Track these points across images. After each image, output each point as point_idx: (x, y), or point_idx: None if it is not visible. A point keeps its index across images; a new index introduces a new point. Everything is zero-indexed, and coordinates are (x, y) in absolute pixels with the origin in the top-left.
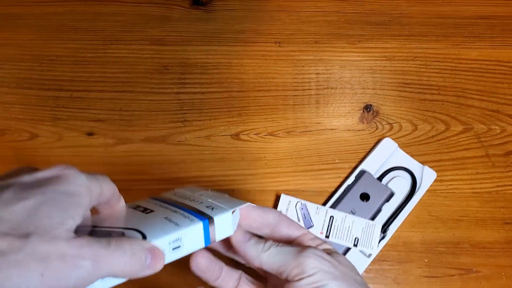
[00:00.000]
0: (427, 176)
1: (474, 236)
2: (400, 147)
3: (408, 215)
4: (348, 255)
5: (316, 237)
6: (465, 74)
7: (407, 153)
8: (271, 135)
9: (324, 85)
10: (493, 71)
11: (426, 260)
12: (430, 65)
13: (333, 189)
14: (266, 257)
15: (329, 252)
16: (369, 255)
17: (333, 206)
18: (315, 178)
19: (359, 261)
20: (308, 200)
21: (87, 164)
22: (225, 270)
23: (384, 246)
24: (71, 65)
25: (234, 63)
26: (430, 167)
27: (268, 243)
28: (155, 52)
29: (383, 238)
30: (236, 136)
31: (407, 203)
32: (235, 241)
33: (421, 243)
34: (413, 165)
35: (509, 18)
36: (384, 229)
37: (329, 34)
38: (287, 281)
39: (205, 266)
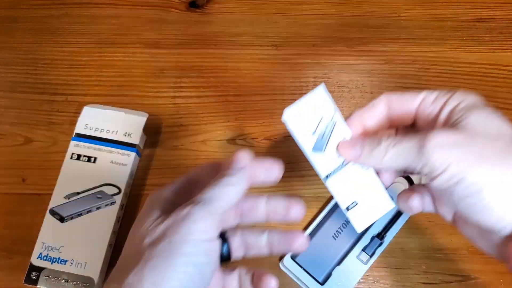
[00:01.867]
0: (425, 182)
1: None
2: None
3: (406, 221)
4: (344, 263)
5: (439, 94)
6: (464, 77)
7: None
8: (268, 139)
9: None
10: (492, 74)
11: (424, 267)
12: (429, 68)
13: (330, 195)
14: (388, 163)
15: (458, 120)
16: (367, 262)
17: (330, 213)
18: (312, 183)
19: (356, 268)
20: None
21: None
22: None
23: (382, 253)
24: (66, 69)
25: (231, 66)
26: None
27: (383, 147)
28: (151, 56)
29: (380, 244)
30: (232, 140)
31: None
32: (350, 159)
33: (419, 250)
34: None
35: (508, 22)
36: (382, 235)
37: (327, 37)
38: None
39: None
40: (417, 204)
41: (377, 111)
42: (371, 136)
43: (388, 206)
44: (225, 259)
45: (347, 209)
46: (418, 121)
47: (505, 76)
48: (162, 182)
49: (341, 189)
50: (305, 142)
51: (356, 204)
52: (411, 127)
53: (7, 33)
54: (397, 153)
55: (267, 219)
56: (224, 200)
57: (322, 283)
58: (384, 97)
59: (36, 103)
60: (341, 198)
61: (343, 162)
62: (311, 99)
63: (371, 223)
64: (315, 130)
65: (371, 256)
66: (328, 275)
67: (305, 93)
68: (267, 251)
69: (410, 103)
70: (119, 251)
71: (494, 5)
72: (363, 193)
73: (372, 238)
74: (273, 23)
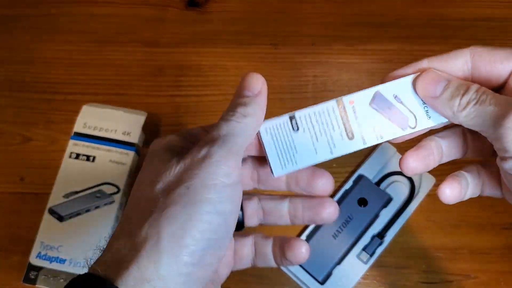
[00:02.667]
0: (425, 181)
1: (472, 241)
2: (398, 151)
3: (406, 220)
4: (344, 262)
5: None
6: None
7: None
8: None
9: (321, 87)
10: None
11: (424, 266)
12: None
13: (330, 194)
14: (464, 118)
15: None
16: (367, 261)
17: None
18: None
19: (356, 267)
20: None
21: None
22: None
23: (382, 252)
24: (65, 68)
25: (230, 65)
26: (428, 171)
27: (466, 99)
28: (149, 54)
29: (381, 243)
30: None
31: (405, 208)
32: (423, 95)
33: (419, 249)
34: None
35: (508, 20)
36: (382, 235)
37: (326, 36)
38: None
39: None
40: (450, 194)
41: (456, 65)
42: (456, 78)
43: None
44: (239, 226)
45: None
46: (508, 87)
47: None
48: None
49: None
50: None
51: None
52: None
53: (6, 31)
54: (477, 112)
55: (288, 189)
56: (244, 134)
57: (322, 283)
58: (469, 51)
59: (35, 102)
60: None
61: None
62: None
63: None
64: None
65: (371, 256)
66: (328, 275)
67: (304, 92)
68: (288, 220)
69: (503, 64)
70: None
71: (495, 4)
72: None
73: (372, 238)
74: (272, 21)
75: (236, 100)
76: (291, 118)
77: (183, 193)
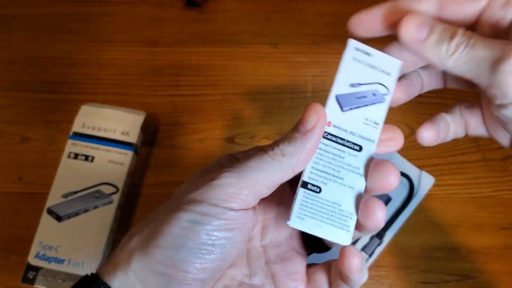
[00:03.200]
0: (424, 181)
1: (471, 241)
2: (397, 151)
3: (405, 220)
4: None
5: None
6: None
7: (404, 157)
8: (266, 138)
9: (320, 87)
10: None
11: (422, 266)
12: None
13: None
14: (453, 64)
15: None
16: (366, 261)
17: None
18: None
19: None
20: None
21: None
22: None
23: (381, 252)
24: (63, 67)
25: (229, 65)
26: (427, 171)
27: (454, 42)
28: (148, 54)
29: (379, 244)
30: (230, 139)
31: (404, 208)
32: (407, 40)
33: (418, 249)
34: (411, 170)
35: None
36: (381, 234)
37: (325, 35)
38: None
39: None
40: (428, 136)
41: (423, 7)
42: (440, 22)
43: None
44: (318, 247)
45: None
46: (479, 28)
47: None
48: (160, 181)
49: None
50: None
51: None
52: None
53: (4, 31)
54: (469, 56)
55: None
56: (267, 176)
57: None
58: None
59: (33, 101)
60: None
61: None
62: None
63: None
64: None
65: (370, 256)
66: None
67: (303, 91)
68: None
69: (471, 5)
70: None
71: None
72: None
73: (371, 238)
74: (271, 21)
75: (290, 132)
76: (305, 184)
77: (175, 203)
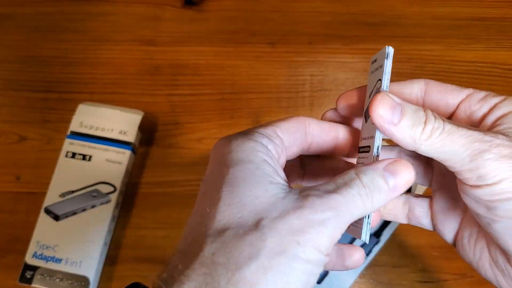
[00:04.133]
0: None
1: None
2: None
3: None
4: None
5: (488, 94)
6: (460, 76)
7: None
8: None
9: (318, 87)
10: (489, 73)
11: (420, 265)
12: (425, 66)
13: None
14: (426, 148)
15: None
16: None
17: None
18: None
19: None
20: None
21: None
22: None
23: (378, 251)
24: (60, 66)
25: (227, 64)
26: None
27: (429, 127)
28: (146, 53)
29: (377, 242)
30: None
31: None
32: (380, 123)
33: (415, 248)
34: None
35: (504, 20)
36: (379, 233)
37: (323, 35)
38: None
39: None
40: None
41: (412, 91)
42: (409, 103)
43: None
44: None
45: None
46: (456, 117)
47: (502, 75)
48: (158, 181)
49: None
50: None
51: None
52: None
53: (1, 30)
54: (445, 142)
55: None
56: (353, 219)
57: (318, 282)
58: (423, 81)
59: (30, 100)
60: None
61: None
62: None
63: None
64: None
65: (367, 255)
66: (325, 274)
67: (301, 91)
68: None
69: (453, 96)
70: (115, 250)
71: (491, 4)
72: None
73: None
74: (269, 20)
75: (378, 176)
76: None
77: (292, 246)
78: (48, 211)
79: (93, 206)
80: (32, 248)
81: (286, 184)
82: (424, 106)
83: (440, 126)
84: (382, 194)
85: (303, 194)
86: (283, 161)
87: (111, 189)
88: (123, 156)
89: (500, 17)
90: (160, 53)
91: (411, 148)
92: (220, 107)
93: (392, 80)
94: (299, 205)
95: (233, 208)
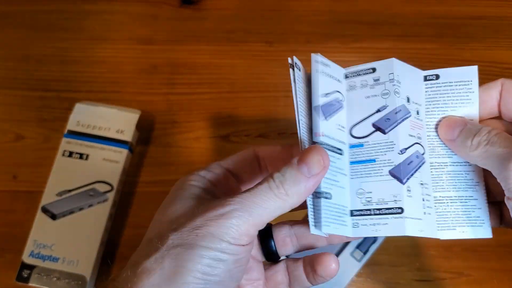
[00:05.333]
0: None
1: (465, 239)
2: None
3: None
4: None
5: None
6: None
7: None
8: (262, 136)
9: None
10: (487, 72)
11: (417, 264)
12: (422, 66)
13: None
14: (475, 158)
15: None
16: (360, 259)
17: None
18: None
19: (350, 264)
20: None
21: None
22: None
23: (376, 250)
24: (58, 65)
25: (224, 63)
26: None
27: (476, 141)
28: (143, 52)
29: (374, 242)
30: (226, 138)
31: None
32: (443, 139)
33: (413, 247)
34: None
35: (502, 19)
36: None
37: (321, 34)
38: None
39: None
40: None
41: (489, 97)
42: (473, 122)
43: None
44: (273, 256)
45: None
46: None
47: (500, 74)
48: (155, 180)
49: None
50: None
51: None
52: None
53: None
54: (486, 154)
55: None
56: (273, 211)
57: None
58: (500, 82)
59: (28, 99)
60: None
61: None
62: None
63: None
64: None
65: (364, 254)
66: None
67: None
68: (325, 241)
69: None
70: (112, 249)
71: (488, 3)
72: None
73: None
74: (267, 19)
75: (291, 169)
76: (319, 194)
77: (191, 237)
78: (45, 210)
79: (90, 205)
80: (29, 247)
81: (215, 197)
82: (499, 109)
83: (486, 138)
84: (298, 183)
85: (220, 199)
86: (226, 182)
87: (108, 188)
88: (120, 155)
89: (497, 16)
90: (157, 52)
91: (466, 158)
92: (218, 105)
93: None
94: (207, 207)
95: (155, 222)
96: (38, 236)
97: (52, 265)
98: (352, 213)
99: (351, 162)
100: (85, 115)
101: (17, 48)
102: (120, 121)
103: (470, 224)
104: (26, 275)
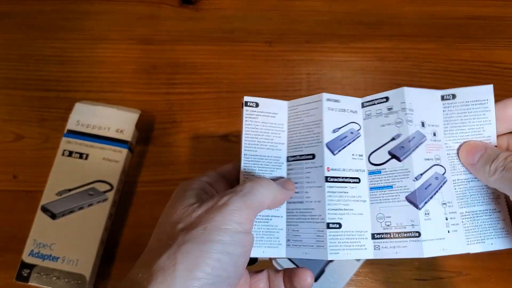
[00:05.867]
0: None
1: None
2: None
3: None
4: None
5: None
6: (456, 75)
7: None
8: None
9: (315, 85)
10: (485, 72)
11: (416, 263)
12: (421, 65)
13: None
14: (493, 183)
15: None
16: (359, 259)
17: None
18: None
19: (349, 264)
20: None
21: None
22: None
23: None
24: (58, 65)
25: (224, 63)
26: None
27: (494, 166)
28: (143, 52)
29: None
30: (225, 137)
31: None
32: (464, 164)
33: None
34: None
35: (501, 19)
36: None
37: (320, 34)
38: None
39: None
40: None
41: (505, 113)
42: (492, 147)
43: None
44: (252, 261)
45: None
46: None
47: (498, 74)
48: (155, 179)
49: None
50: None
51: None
52: None
53: None
54: (503, 178)
55: None
56: (263, 197)
57: (315, 280)
58: None
59: (27, 99)
60: None
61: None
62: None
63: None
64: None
65: None
66: (321, 272)
67: (298, 90)
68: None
69: None
70: (111, 248)
71: (487, 3)
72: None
73: None
74: (266, 19)
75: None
76: (327, 225)
77: (200, 233)
78: (45, 210)
79: (90, 205)
80: (29, 246)
81: (212, 197)
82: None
83: (504, 164)
84: (273, 184)
85: (217, 195)
86: (224, 186)
87: (108, 187)
88: (120, 154)
89: (496, 16)
90: (157, 51)
91: (485, 182)
92: (217, 106)
93: (390, 80)
94: (208, 202)
95: (161, 225)
96: (38, 236)
97: (52, 264)
98: (373, 236)
99: (370, 188)
100: (85, 115)
101: (17, 48)
102: (120, 121)
103: (497, 235)
104: (26, 274)
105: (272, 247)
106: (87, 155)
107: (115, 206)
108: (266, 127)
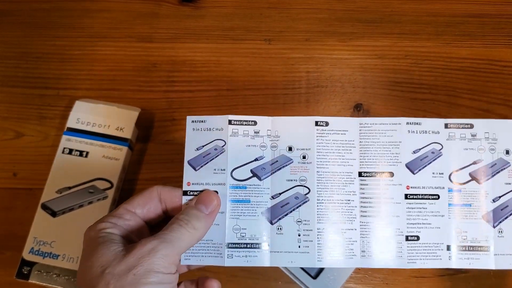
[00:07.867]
0: None
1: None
2: None
3: None
4: None
5: None
6: (456, 73)
7: None
8: None
9: (314, 83)
10: (484, 70)
11: None
12: (421, 63)
13: None
14: None
15: None
16: None
17: None
18: None
19: None
20: None
21: None
22: None
23: None
24: (57, 63)
25: (223, 61)
26: None
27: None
28: (143, 50)
29: None
30: None
31: None
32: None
33: None
34: None
35: (500, 17)
36: None
37: (320, 31)
38: None
39: None
40: None
41: None
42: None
43: None
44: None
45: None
46: None
47: (497, 71)
48: (154, 177)
49: None
50: None
51: None
52: None
53: None
54: None
55: None
56: (188, 242)
57: (314, 277)
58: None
59: (27, 97)
60: None
61: None
62: None
63: None
64: None
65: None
66: (321, 269)
67: (298, 87)
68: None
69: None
70: None
71: (487, 0)
72: None
73: None
74: (266, 17)
75: (192, 210)
76: (406, 238)
77: (130, 278)
78: (45, 207)
79: (90, 202)
80: (29, 244)
81: (132, 243)
82: None
83: None
84: (201, 219)
85: (144, 239)
86: (136, 225)
87: (108, 185)
88: (120, 152)
89: (496, 14)
90: (157, 49)
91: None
92: (217, 103)
93: (390, 78)
94: (134, 247)
95: (85, 270)
96: (38, 233)
97: (52, 262)
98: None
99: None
100: (85, 113)
101: (16, 46)
102: (120, 119)
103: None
104: (26, 272)
105: (348, 258)
106: (87, 153)
107: (115, 203)
108: (337, 144)
